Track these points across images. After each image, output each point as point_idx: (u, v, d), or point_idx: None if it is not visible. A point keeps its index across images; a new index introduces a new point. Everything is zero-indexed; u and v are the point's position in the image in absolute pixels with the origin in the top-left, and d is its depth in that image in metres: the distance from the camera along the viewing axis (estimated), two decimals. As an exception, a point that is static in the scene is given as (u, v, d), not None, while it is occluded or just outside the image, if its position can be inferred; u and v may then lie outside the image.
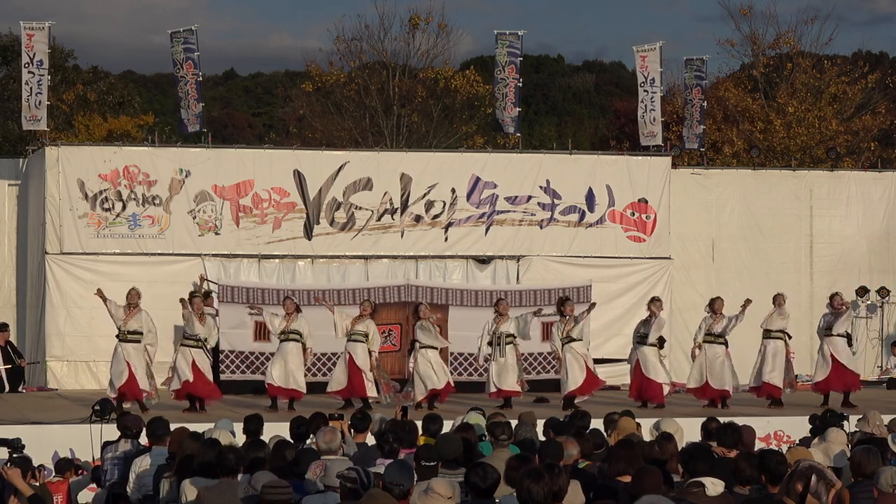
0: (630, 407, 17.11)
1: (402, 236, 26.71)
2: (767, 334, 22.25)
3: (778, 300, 22.47)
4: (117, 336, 20.64)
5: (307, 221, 26.41)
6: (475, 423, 12.73)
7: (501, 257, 27.03)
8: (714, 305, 22.30)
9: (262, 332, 23.55)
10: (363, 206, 26.59)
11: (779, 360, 22.05)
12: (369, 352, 21.27)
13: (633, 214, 27.53)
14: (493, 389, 21.59)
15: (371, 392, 21.06)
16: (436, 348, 21.59)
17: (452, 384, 21.66)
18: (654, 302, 22.43)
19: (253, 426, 13.05)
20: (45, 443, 16.57)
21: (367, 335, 21.31)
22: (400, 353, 24.37)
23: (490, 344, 21.74)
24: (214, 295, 24.31)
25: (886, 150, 41.33)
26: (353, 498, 8.69)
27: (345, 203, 26.54)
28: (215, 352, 23.28)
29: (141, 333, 20.50)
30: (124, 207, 25.69)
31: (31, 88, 25.82)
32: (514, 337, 21.74)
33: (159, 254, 25.72)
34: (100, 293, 20.82)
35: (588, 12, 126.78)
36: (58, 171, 25.40)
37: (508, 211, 27.13)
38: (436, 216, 26.86)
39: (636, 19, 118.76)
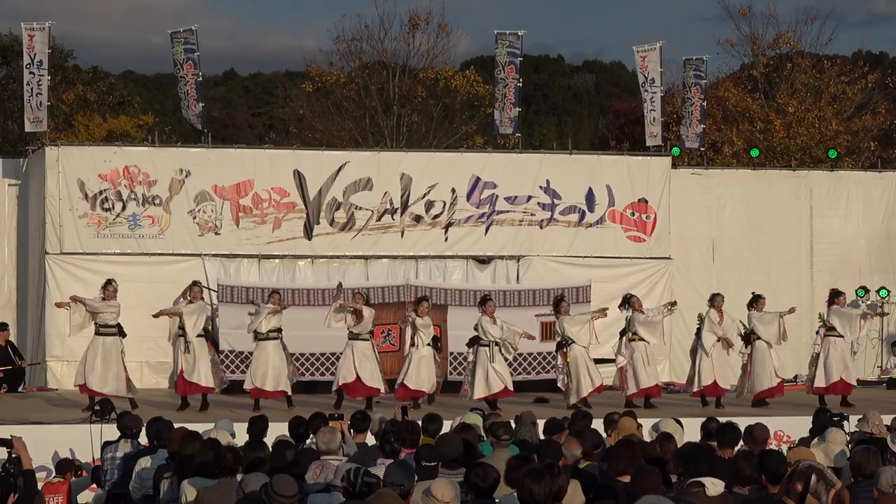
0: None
1: (402, 236, 26.71)
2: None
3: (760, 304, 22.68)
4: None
5: (307, 221, 26.41)
6: (473, 423, 12.74)
7: (501, 257, 27.02)
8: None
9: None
10: (363, 206, 26.59)
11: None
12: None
13: (633, 214, 27.53)
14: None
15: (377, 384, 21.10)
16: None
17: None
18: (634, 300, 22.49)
19: (258, 427, 13.06)
20: (45, 443, 16.57)
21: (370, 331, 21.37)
22: (399, 352, 24.32)
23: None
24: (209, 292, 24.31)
25: (886, 150, 41.32)
26: (350, 497, 8.70)
27: (345, 203, 26.54)
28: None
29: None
30: (124, 207, 25.69)
31: (31, 89, 25.83)
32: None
33: (159, 254, 25.72)
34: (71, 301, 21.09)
35: (588, 12, 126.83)
36: (58, 171, 25.40)
37: (508, 211, 27.12)
38: (436, 216, 26.86)
39: (636, 19, 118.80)
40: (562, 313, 21.89)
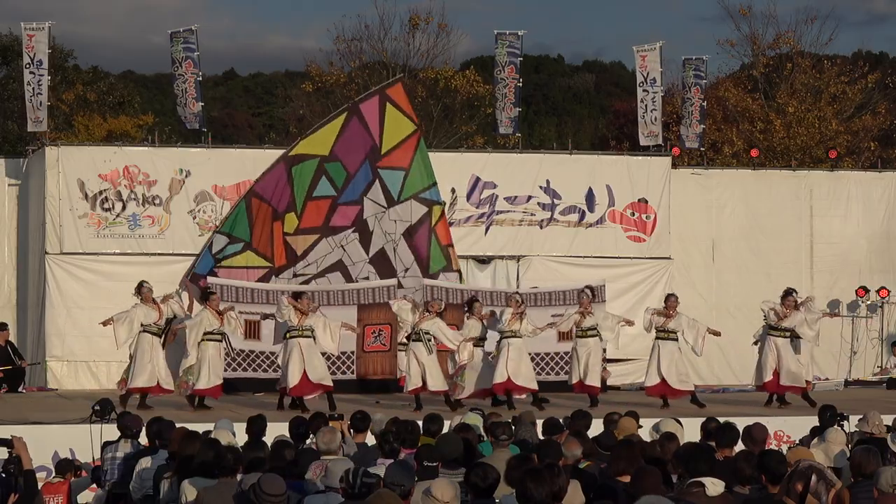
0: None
1: (402, 236, 26.67)
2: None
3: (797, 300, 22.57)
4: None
5: (307, 221, 26.36)
6: (473, 423, 12.74)
7: (501, 257, 27.02)
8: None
9: (251, 330, 23.58)
10: (363, 206, 26.55)
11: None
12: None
13: (633, 214, 27.53)
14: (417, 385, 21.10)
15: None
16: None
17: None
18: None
19: (256, 427, 13.06)
20: (45, 443, 16.56)
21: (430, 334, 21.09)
22: (390, 352, 24.13)
23: (409, 339, 21.35)
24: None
25: (886, 150, 41.33)
26: (350, 498, 8.71)
27: (345, 203, 26.50)
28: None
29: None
30: (124, 207, 25.69)
31: (31, 89, 25.84)
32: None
33: (159, 254, 25.72)
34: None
35: (588, 12, 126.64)
36: (58, 171, 25.41)
37: (508, 211, 27.13)
38: (436, 216, 26.81)
39: (636, 19, 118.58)
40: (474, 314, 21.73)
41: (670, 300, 22.16)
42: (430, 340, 21.03)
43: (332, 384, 20.62)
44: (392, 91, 26.47)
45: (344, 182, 25.65)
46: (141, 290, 21.07)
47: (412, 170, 25.86)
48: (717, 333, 22.22)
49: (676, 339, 21.90)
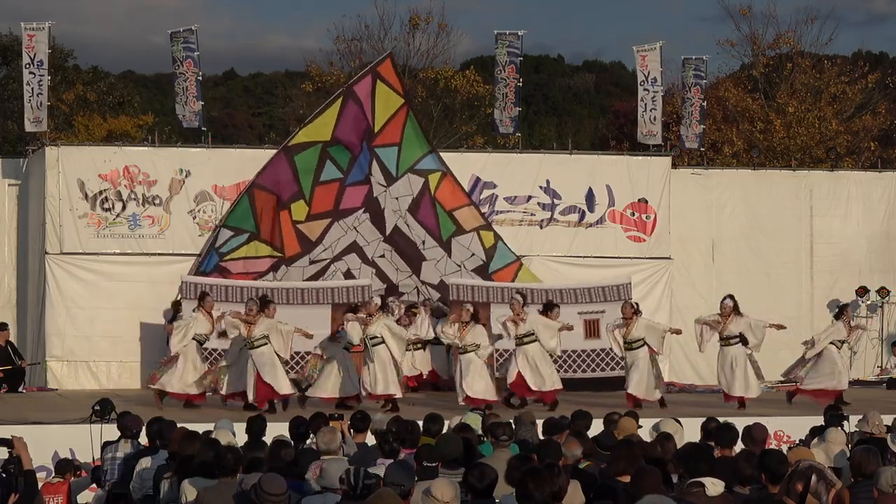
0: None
1: (402, 236, 26.67)
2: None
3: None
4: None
5: (307, 221, 26.36)
6: (473, 423, 12.75)
7: (501, 257, 26.97)
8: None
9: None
10: (363, 206, 26.56)
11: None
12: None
13: (633, 214, 27.52)
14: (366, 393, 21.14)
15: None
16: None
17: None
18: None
19: (256, 427, 13.07)
20: (45, 443, 16.57)
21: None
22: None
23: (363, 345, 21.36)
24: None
25: (886, 150, 41.34)
26: (350, 498, 8.71)
27: (345, 203, 26.50)
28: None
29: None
30: (124, 207, 25.69)
31: (31, 89, 25.84)
32: (382, 339, 21.10)
33: (159, 254, 25.72)
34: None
35: (588, 12, 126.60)
36: (58, 171, 25.41)
37: (508, 211, 27.11)
38: (436, 216, 26.81)
39: (636, 19, 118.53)
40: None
41: (625, 308, 21.82)
42: (378, 344, 20.99)
43: (289, 391, 20.53)
44: (382, 68, 26.58)
45: (349, 164, 25.84)
46: (204, 301, 21.20)
47: (403, 144, 26.02)
48: (677, 332, 22.28)
49: (644, 346, 21.52)
